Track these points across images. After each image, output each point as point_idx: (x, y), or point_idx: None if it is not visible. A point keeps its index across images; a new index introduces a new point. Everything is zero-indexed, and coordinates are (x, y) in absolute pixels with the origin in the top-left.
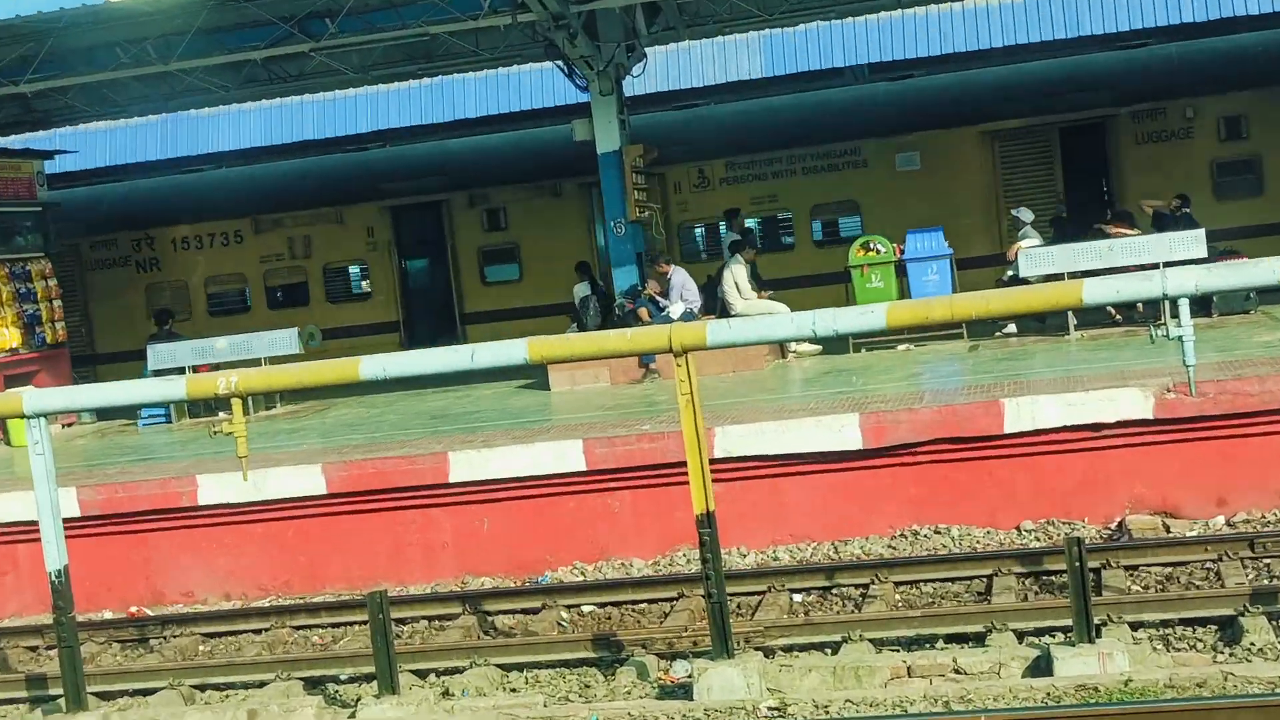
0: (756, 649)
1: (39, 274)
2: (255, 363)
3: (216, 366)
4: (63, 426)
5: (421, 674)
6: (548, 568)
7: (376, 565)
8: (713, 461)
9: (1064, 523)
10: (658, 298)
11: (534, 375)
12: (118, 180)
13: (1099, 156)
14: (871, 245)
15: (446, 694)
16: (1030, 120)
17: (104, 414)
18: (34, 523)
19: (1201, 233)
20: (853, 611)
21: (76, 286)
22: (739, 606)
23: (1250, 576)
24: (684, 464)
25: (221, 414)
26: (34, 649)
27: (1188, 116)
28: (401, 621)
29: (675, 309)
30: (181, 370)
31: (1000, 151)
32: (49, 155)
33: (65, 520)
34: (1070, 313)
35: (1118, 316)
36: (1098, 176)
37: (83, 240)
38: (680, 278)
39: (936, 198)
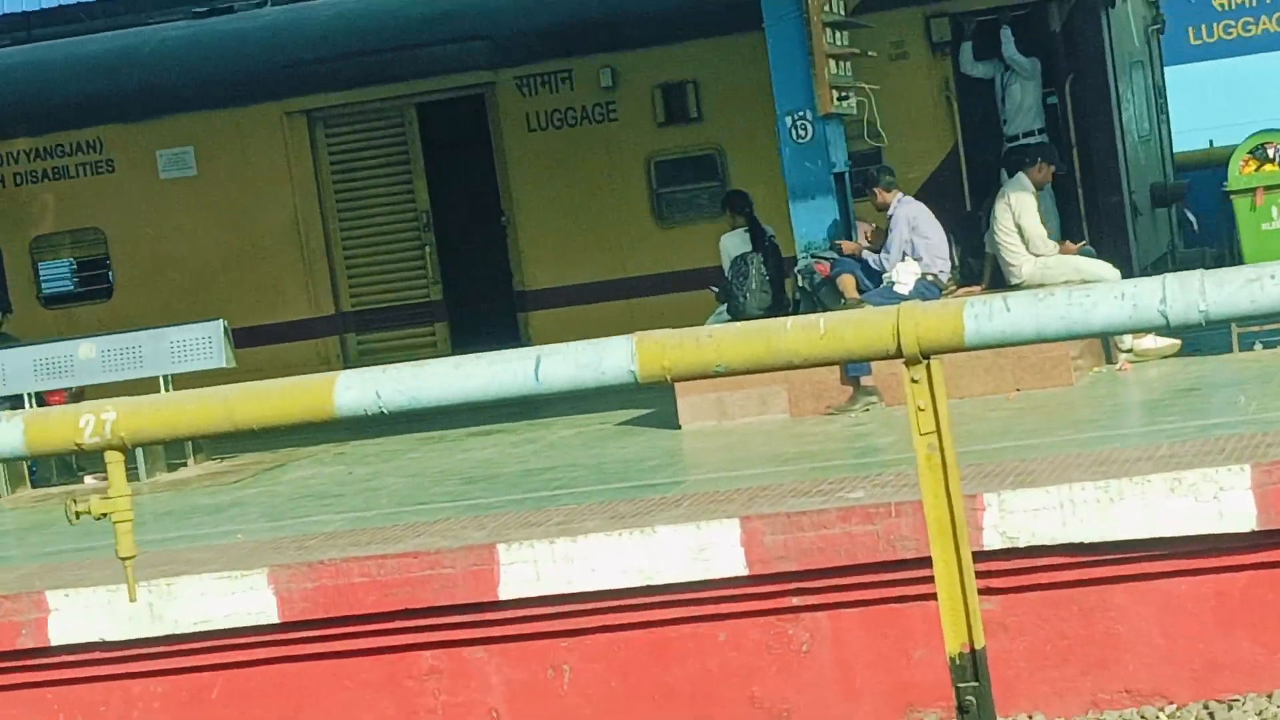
0: None
1: None
2: (149, 387)
3: (80, 395)
4: None
5: None
6: None
7: None
8: (981, 557)
9: None
10: (870, 256)
11: (650, 401)
12: None
13: (483, 148)
14: (1272, 152)
15: None
16: (369, 92)
17: None
18: None
19: None
20: None
21: None
22: None
23: None
24: (926, 563)
25: (89, 479)
26: None
27: (604, 85)
28: None
29: (905, 274)
30: (16, 401)
31: (329, 143)
32: None
33: None
34: None
35: None
36: (486, 178)
37: None
38: (910, 213)
39: (223, 220)
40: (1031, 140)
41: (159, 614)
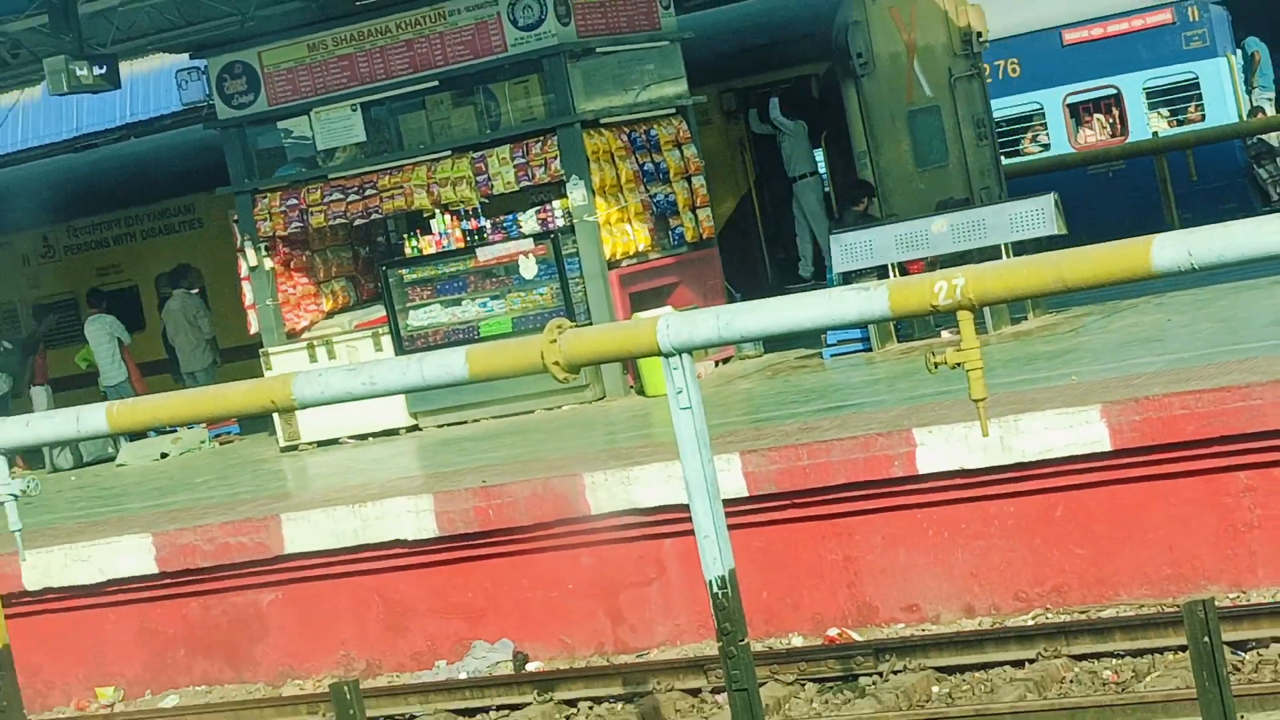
0: None
1: (670, 140)
2: (995, 254)
3: (934, 264)
4: (716, 364)
5: None
6: None
7: (1198, 557)
8: None
9: None
10: None
11: None
12: None
13: None
14: None
15: None
16: None
17: (773, 342)
18: (684, 508)
19: None
20: None
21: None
22: None
23: None
24: None
25: (945, 333)
26: (694, 692)
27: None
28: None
29: None
30: (881, 271)
31: None
32: None
33: (727, 502)
34: None
35: None
36: None
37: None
38: None
39: None
40: (807, 179)
41: (1008, 446)
